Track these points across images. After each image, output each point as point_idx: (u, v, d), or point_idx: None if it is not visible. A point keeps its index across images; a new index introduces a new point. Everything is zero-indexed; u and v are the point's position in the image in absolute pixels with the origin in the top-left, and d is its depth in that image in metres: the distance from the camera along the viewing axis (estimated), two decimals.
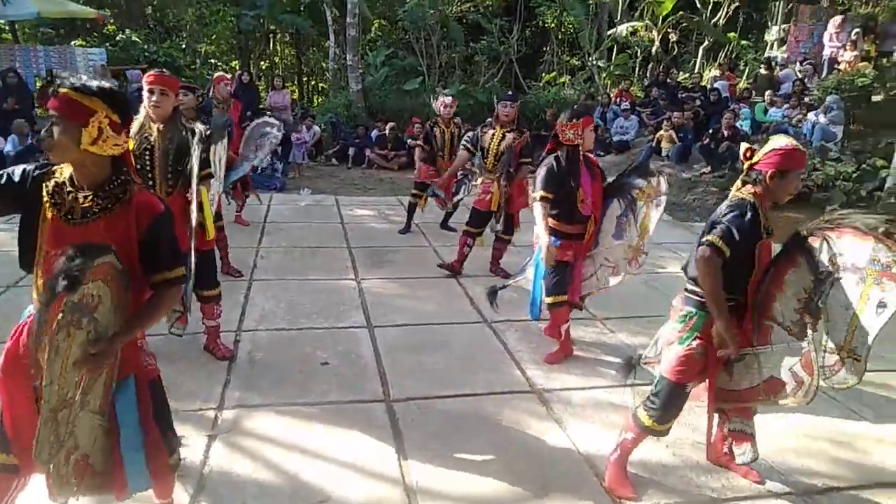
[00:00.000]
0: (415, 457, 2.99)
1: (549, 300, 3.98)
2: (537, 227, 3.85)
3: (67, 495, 1.94)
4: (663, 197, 3.75)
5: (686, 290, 2.70)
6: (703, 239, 2.52)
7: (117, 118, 1.87)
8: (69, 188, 1.90)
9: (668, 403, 2.67)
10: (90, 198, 1.88)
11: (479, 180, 5.69)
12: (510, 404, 3.53)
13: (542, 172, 3.84)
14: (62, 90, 1.81)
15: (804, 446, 3.24)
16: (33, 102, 10.83)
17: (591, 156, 3.94)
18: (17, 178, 1.92)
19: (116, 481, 2.08)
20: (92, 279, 1.72)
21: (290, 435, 3.12)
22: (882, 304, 2.26)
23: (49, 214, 1.89)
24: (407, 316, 4.73)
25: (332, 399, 3.48)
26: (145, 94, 3.43)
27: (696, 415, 3.25)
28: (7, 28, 15.71)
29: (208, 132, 3.48)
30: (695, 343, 2.62)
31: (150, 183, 3.38)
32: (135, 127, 3.39)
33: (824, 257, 2.40)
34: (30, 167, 1.96)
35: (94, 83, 1.85)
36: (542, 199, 3.79)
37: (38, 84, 12.39)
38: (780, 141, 2.56)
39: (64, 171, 1.93)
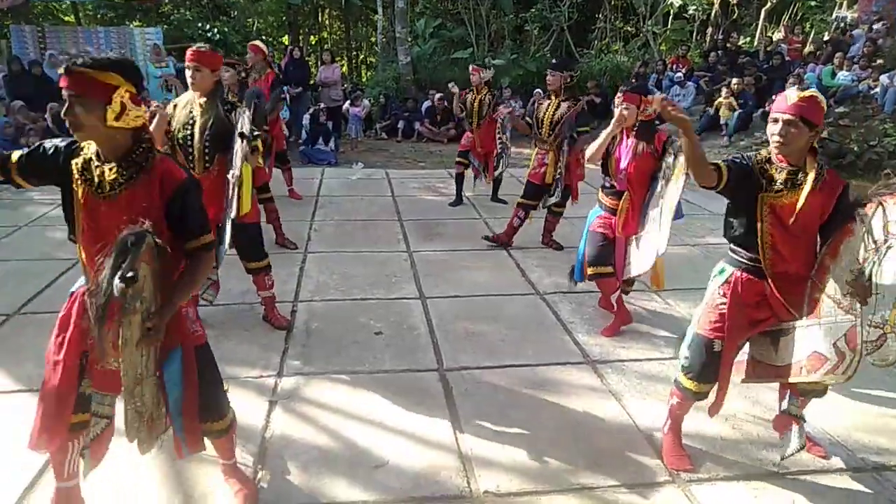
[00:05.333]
0: (469, 425, 3.01)
1: (589, 271, 3.97)
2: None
3: (149, 449, 2.06)
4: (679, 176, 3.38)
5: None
6: None
7: (134, 89, 1.89)
8: (96, 163, 1.93)
9: (697, 359, 2.63)
10: (114, 169, 1.91)
11: (534, 152, 5.61)
12: (564, 375, 3.52)
13: None
14: (77, 69, 1.79)
15: (875, 423, 3.13)
16: None
17: (661, 131, 3.78)
18: (50, 153, 1.98)
19: (174, 440, 2.17)
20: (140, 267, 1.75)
21: (346, 402, 3.19)
22: None
23: (80, 191, 1.93)
24: (459, 287, 4.75)
25: (387, 368, 3.54)
26: (186, 70, 3.51)
27: (755, 388, 3.17)
28: (70, 11, 16.27)
29: (255, 134, 3.40)
30: (717, 293, 2.60)
31: (190, 157, 3.43)
32: (181, 102, 3.48)
33: (877, 225, 2.21)
34: (62, 143, 1.99)
35: (105, 57, 1.85)
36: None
37: None
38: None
39: (90, 147, 1.96)
